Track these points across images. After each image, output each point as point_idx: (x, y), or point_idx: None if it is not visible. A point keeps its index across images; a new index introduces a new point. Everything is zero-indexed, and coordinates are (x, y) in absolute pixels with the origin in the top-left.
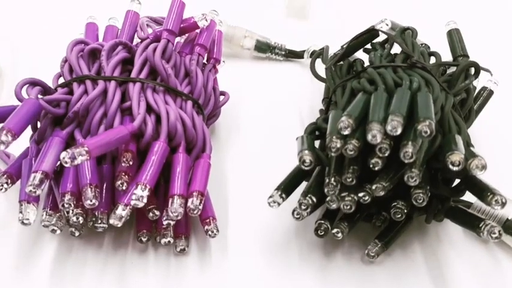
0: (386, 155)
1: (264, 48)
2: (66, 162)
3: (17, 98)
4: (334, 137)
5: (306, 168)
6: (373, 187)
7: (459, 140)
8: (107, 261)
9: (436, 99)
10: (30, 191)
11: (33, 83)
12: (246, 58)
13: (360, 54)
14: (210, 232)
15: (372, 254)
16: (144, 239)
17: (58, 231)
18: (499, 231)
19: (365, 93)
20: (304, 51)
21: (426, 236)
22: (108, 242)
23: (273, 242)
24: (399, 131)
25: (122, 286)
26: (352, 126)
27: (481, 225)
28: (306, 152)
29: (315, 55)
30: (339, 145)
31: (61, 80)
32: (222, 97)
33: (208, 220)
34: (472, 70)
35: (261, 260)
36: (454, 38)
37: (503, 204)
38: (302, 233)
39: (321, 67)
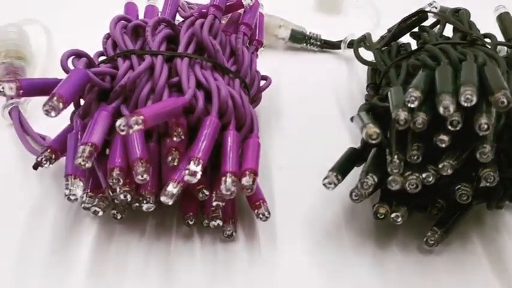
0: (458, 128)
1: (299, 38)
2: (122, 130)
3: (63, 68)
4: (400, 109)
5: (374, 142)
6: (440, 166)
7: None
8: (151, 247)
9: (504, 73)
10: (80, 163)
11: (78, 54)
12: (280, 48)
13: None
14: (261, 215)
15: (431, 242)
16: (191, 222)
17: (100, 213)
18: None
19: (426, 69)
20: (340, 41)
21: (484, 226)
22: (151, 226)
23: (321, 229)
24: (475, 100)
25: (168, 272)
26: (420, 98)
27: None
28: (371, 125)
29: (358, 39)
30: (407, 117)
31: (101, 59)
32: (262, 82)
33: (258, 203)
34: None
35: (310, 248)
36: (505, 21)
37: None
38: (351, 221)
39: (363, 54)
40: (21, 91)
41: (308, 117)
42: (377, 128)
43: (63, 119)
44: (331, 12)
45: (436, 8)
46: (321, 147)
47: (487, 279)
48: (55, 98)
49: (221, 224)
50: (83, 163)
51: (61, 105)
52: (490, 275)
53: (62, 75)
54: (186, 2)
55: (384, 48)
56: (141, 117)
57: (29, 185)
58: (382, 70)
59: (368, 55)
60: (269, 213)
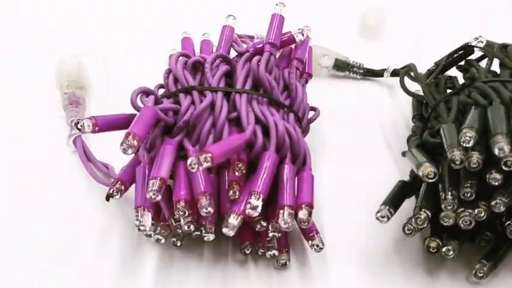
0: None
1: (342, 66)
2: (193, 168)
3: (133, 105)
4: (456, 149)
5: (431, 181)
6: (493, 203)
7: None
8: (209, 272)
9: None
10: (151, 197)
11: (146, 92)
12: (323, 76)
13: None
14: (315, 246)
15: (480, 275)
16: (247, 251)
17: (163, 240)
18: None
19: (478, 107)
20: (384, 70)
21: None
22: (209, 253)
23: (372, 257)
24: None
25: None
26: (475, 138)
27: None
28: (427, 164)
29: (403, 71)
30: (462, 157)
31: (161, 91)
32: (311, 113)
33: (312, 234)
34: None
35: (361, 276)
36: None
37: None
38: (401, 249)
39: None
40: (97, 128)
41: (353, 144)
42: (433, 167)
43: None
44: (372, 39)
45: (482, 42)
46: (367, 175)
47: None
48: (130, 136)
49: (277, 253)
50: (153, 196)
51: (136, 142)
52: None
53: (120, 104)
54: (237, 35)
55: (434, 80)
56: (210, 154)
57: (94, 210)
58: (431, 104)
59: (411, 85)
60: (323, 244)
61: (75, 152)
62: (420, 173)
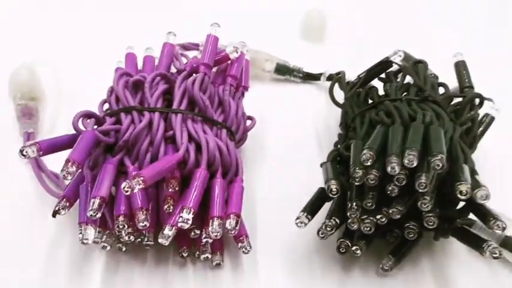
0: (403, 184)
1: (283, 70)
2: (126, 191)
3: (75, 129)
4: (357, 168)
5: (333, 196)
6: (390, 211)
7: (466, 169)
8: (151, 275)
9: (446, 131)
10: (91, 215)
11: (87, 115)
12: (266, 80)
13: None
14: (243, 249)
15: (386, 268)
16: (185, 255)
17: (108, 247)
18: (500, 251)
19: (383, 126)
20: (321, 74)
21: (434, 251)
22: (151, 257)
23: (297, 257)
24: (415, 164)
25: None
26: (373, 158)
27: (483, 245)
28: (333, 181)
29: (332, 82)
30: (362, 175)
31: (106, 106)
32: (248, 121)
33: (242, 238)
34: (477, 100)
35: (287, 274)
36: (461, 69)
37: (503, 229)
38: (322, 250)
39: (338, 91)
40: (41, 152)
41: (290, 147)
42: (338, 185)
43: None
44: (314, 41)
45: (400, 56)
46: (301, 178)
47: None
48: (69, 163)
49: (210, 256)
50: (93, 214)
51: (74, 168)
52: None
53: (72, 113)
54: (181, 45)
55: (356, 91)
56: (142, 178)
57: (44, 219)
58: (350, 116)
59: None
60: (250, 247)
61: (28, 163)
62: (326, 188)
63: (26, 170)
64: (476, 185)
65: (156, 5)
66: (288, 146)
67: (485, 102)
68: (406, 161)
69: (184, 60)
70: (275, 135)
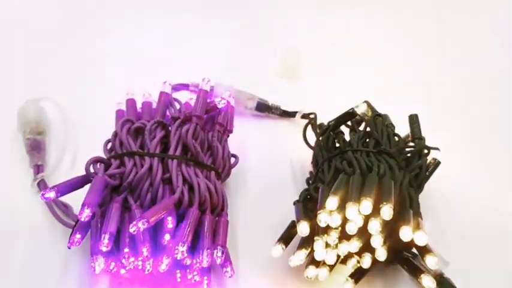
0: (360, 225)
1: (263, 108)
2: (134, 231)
3: (87, 173)
4: (323, 213)
5: (304, 236)
6: (350, 245)
7: (410, 213)
8: None
9: (397, 180)
10: (103, 248)
11: (97, 161)
12: (247, 116)
13: None
14: (227, 273)
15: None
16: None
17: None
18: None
19: (345, 174)
20: (296, 112)
21: (386, 275)
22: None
23: (272, 277)
24: (369, 211)
25: None
26: (336, 205)
27: (421, 276)
28: (303, 223)
29: (305, 126)
30: (327, 220)
31: (109, 145)
32: (233, 159)
33: (226, 264)
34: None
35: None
36: (413, 122)
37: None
38: (295, 273)
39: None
40: (59, 194)
41: (268, 179)
42: (307, 226)
43: None
44: (290, 79)
45: (363, 108)
46: (278, 208)
47: None
48: (85, 207)
49: (198, 279)
50: (105, 248)
51: (89, 211)
52: None
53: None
54: (173, 86)
55: (325, 135)
56: (145, 219)
57: (54, 244)
58: (319, 160)
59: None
60: (233, 272)
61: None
62: (297, 228)
63: (37, 200)
64: (416, 227)
65: (150, 52)
66: (266, 178)
67: (432, 151)
68: (361, 208)
69: (177, 106)
70: (255, 168)
